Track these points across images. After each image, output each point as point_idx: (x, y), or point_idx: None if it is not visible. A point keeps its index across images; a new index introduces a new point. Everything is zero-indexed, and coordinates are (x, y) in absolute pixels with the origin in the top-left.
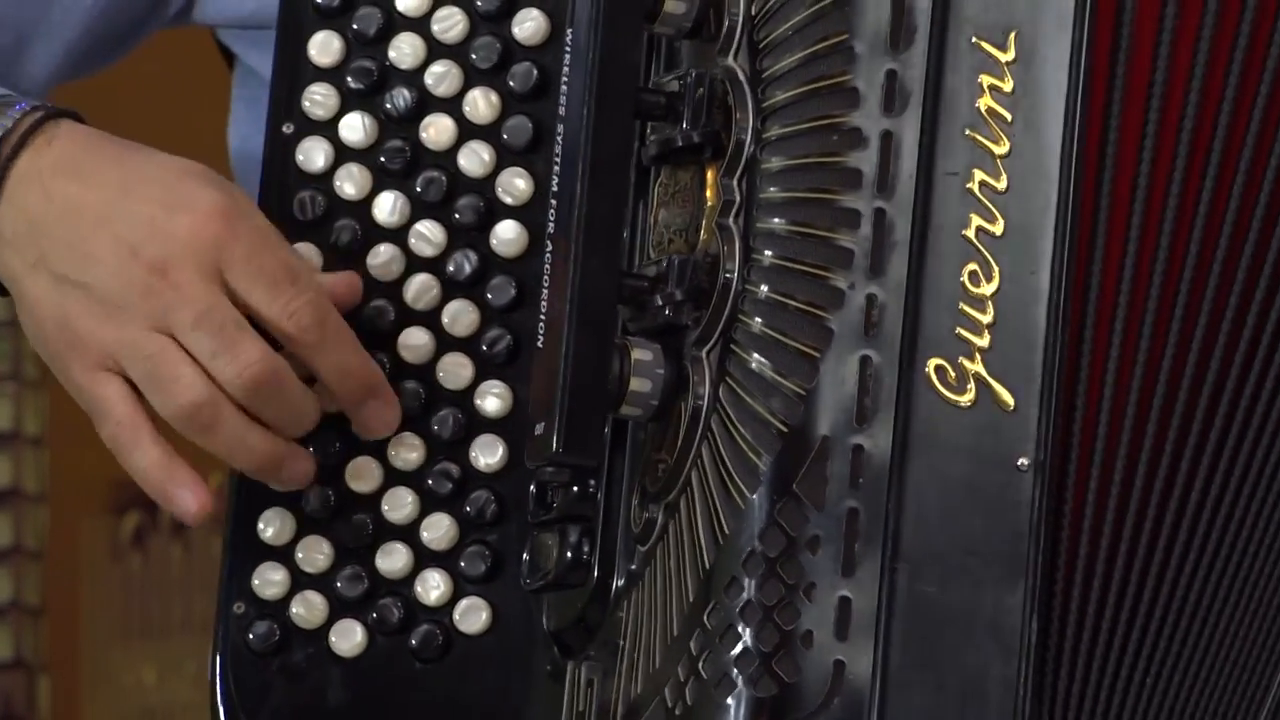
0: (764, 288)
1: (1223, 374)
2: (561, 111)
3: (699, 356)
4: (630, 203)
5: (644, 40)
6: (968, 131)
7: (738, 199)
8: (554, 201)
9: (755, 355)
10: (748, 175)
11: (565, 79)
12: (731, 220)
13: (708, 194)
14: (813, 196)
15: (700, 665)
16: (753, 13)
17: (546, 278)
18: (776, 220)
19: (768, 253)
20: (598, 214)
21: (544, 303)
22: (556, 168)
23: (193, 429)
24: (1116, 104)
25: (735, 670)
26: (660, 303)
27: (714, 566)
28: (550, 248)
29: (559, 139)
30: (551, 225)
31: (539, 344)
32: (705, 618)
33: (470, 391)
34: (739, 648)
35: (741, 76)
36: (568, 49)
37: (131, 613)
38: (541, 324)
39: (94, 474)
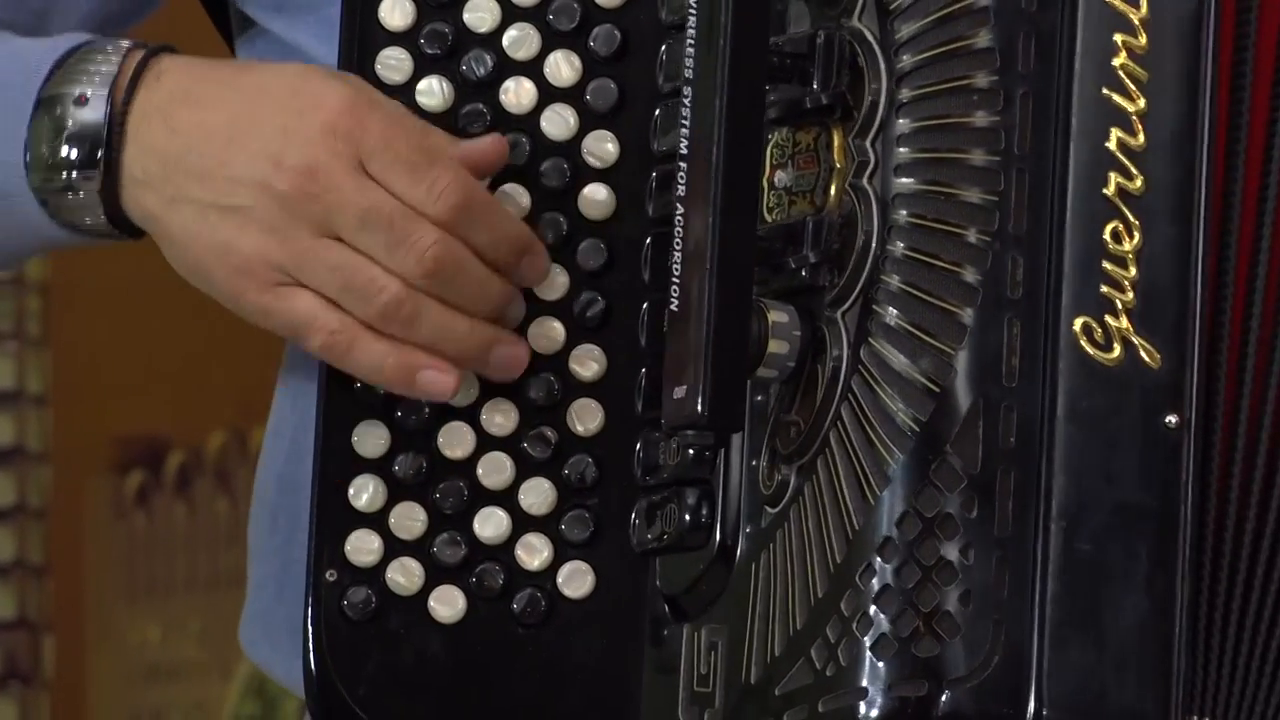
0: (903, 247)
1: None
2: (688, 74)
3: (834, 318)
4: (761, 163)
5: (770, 9)
6: (1104, 90)
7: (873, 160)
8: (683, 165)
9: (898, 315)
10: (883, 135)
11: (690, 39)
12: (866, 180)
13: (835, 156)
14: (950, 157)
15: (855, 625)
16: None
17: (678, 241)
18: (913, 180)
19: (904, 213)
20: (736, 176)
21: (676, 266)
22: (685, 129)
23: (397, 325)
24: (1249, 58)
25: (879, 634)
26: (794, 265)
27: (863, 527)
28: (681, 210)
29: (685, 101)
30: (681, 189)
31: (673, 307)
32: (858, 577)
33: (564, 356)
34: (895, 607)
35: (870, 38)
36: (692, 10)
37: (136, 571)
38: (675, 287)
39: (97, 432)
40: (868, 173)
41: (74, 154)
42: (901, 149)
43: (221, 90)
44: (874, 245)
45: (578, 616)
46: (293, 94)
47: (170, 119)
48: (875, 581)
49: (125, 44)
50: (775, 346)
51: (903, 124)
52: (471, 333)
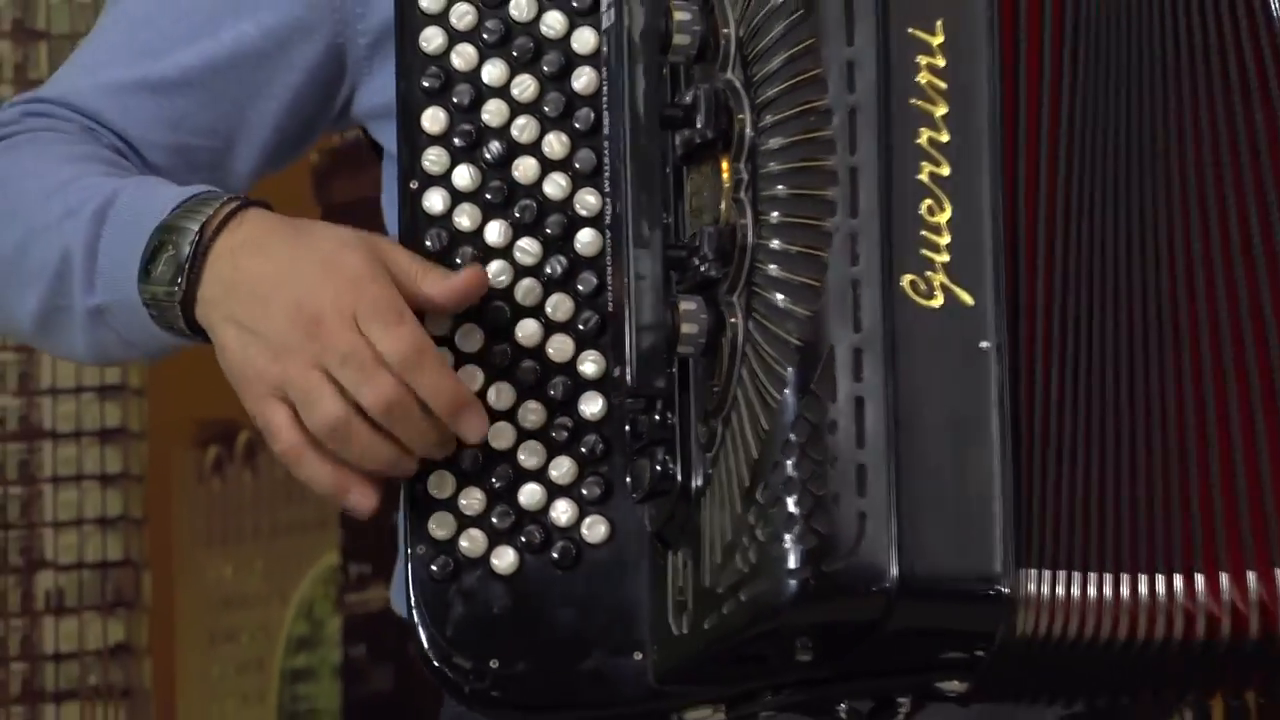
0: (773, 241)
1: (1100, 256)
2: (607, 133)
3: (731, 301)
4: (670, 195)
5: (661, 69)
6: (913, 100)
7: (745, 177)
8: (609, 202)
9: (772, 292)
10: (751, 158)
11: (606, 109)
12: (743, 193)
13: (724, 178)
14: (801, 165)
15: (758, 531)
16: (740, 35)
17: (608, 260)
18: (777, 188)
19: (773, 214)
20: (642, 207)
21: (610, 279)
22: (607, 174)
23: (333, 442)
24: (1023, 66)
25: (785, 531)
26: (698, 264)
27: (760, 456)
28: (610, 237)
29: (606, 157)
30: (609, 221)
31: (609, 309)
32: (758, 495)
33: (574, 361)
34: (786, 513)
35: (738, 84)
36: (605, 86)
37: (213, 523)
38: (610, 294)
39: (183, 416)
40: (743, 187)
41: (167, 274)
42: (769, 164)
43: (279, 246)
44: (751, 241)
45: (599, 557)
46: (324, 261)
47: (237, 260)
48: (771, 497)
49: (227, 197)
50: (687, 329)
51: (764, 145)
52: (388, 455)
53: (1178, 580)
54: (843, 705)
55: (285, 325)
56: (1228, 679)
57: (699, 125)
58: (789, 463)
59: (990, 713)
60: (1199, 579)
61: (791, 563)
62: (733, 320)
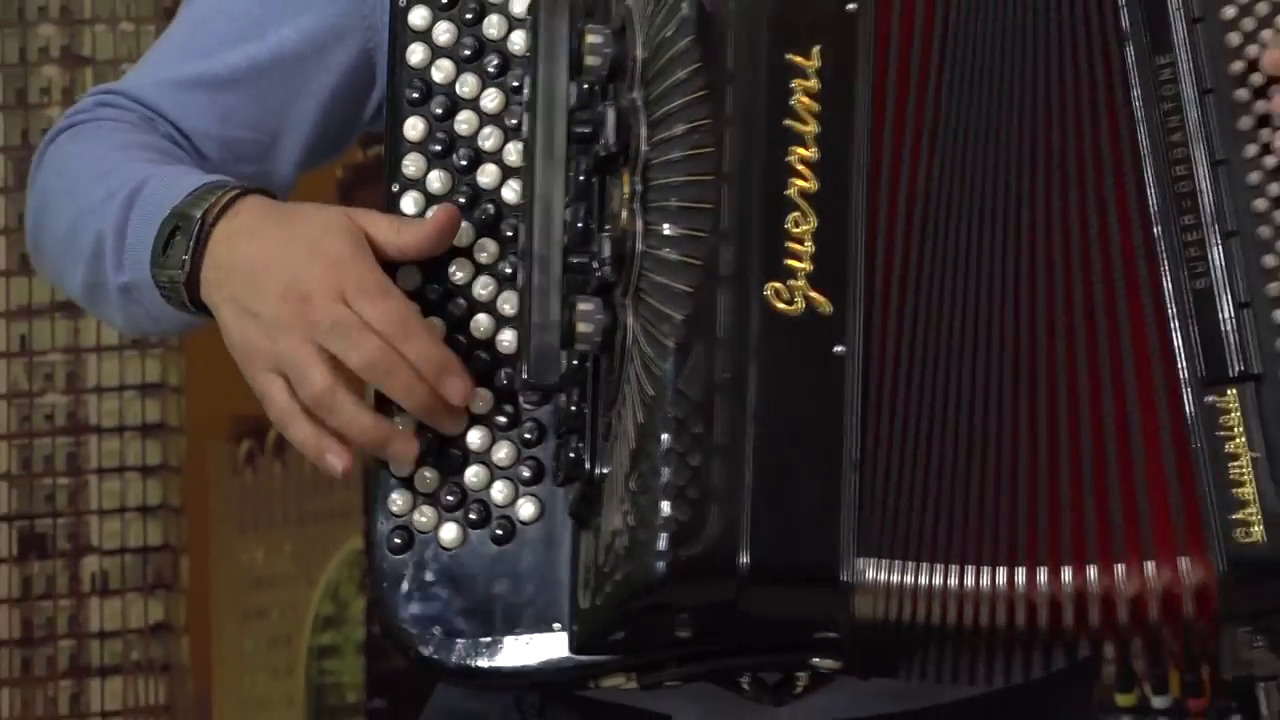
0: (656, 248)
1: (944, 271)
2: (526, 142)
3: (624, 303)
4: (590, 203)
5: (569, 88)
6: (787, 121)
7: (640, 189)
8: (520, 213)
9: (653, 296)
10: (644, 171)
11: (525, 121)
12: (635, 203)
13: (624, 188)
14: (683, 180)
15: (630, 517)
16: (645, 56)
17: (520, 264)
18: (663, 199)
19: (659, 223)
20: (543, 214)
21: (519, 280)
22: (526, 185)
23: (320, 411)
24: (892, 91)
25: (652, 518)
26: (597, 268)
27: (637, 447)
28: (523, 240)
29: (526, 166)
30: (523, 230)
31: (514, 310)
32: (632, 484)
33: (515, 357)
34: (654, 501)
35: (639, 103)
36: (524, 99)
37: (245, 511)
38: (517, 295)
39: (219, 413)
40: (636, 197)
41: (176, 258)
42: (654, 177)
43: (270, 231)
44: (638, 248)
45: (530, 534)
46: (311, 245)
47: (233, 244)
48: (650, 469)
49: (231, 183)
50: (583, 328)
51: (654, 159)
52: (374, 427)
53: (1001, 573)
54: (745, 677)
55: (278, 304)
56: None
57: (604, 140)
58: (658, 454)
59: (915, 687)
60: (1020, 572)
61: (657, 546)
62: (625, 321)
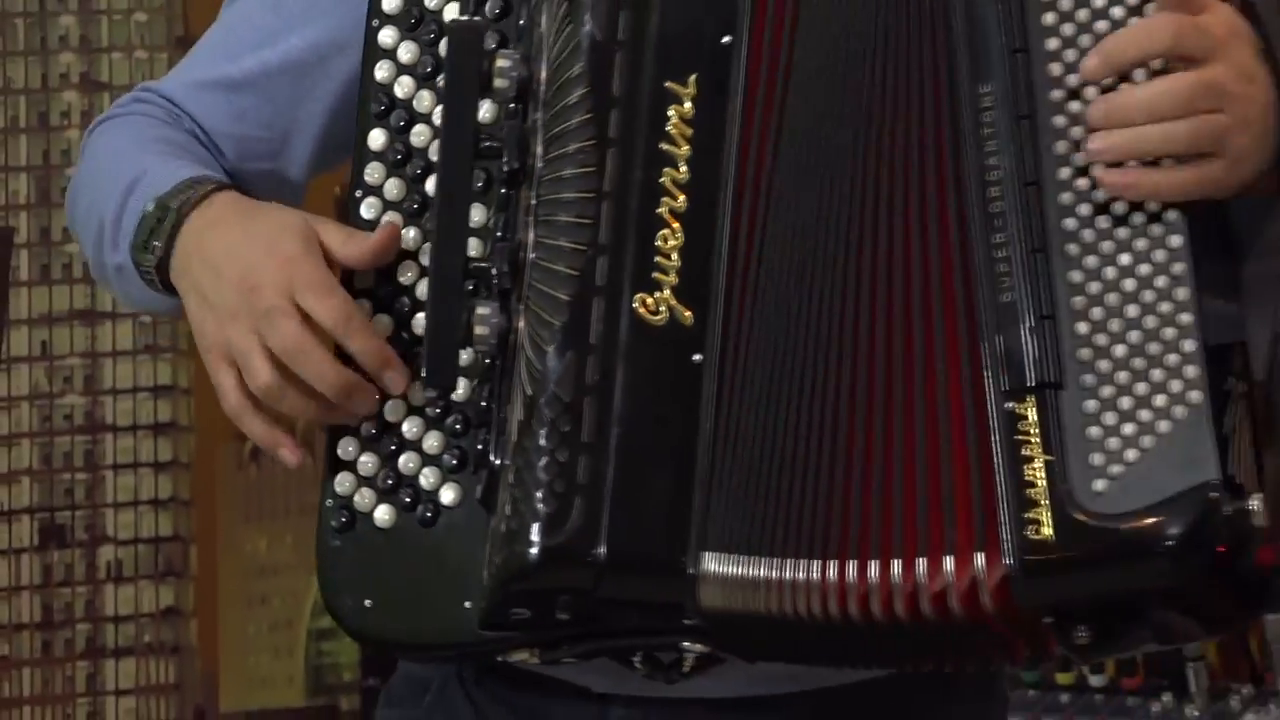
0: (537, 257)
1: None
2: (433, 160)
3: (517, 309)
4: (500, 214)
5: (477, 109)
6: (662, 145)
7: (533, 201)
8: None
9: (536, 303)
10: (537, 186)
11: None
12: (530, 216)
13: (522, 202)
14: (569, 196)
15: (506, 508)
16: (545, 80)
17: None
18: (550, 213)
19: (545, 236)
20: (445, 225)
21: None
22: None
23: (269, 400)
24: (759, 121)
25: (524, 509)
26: (495, 276)
27: (518, 442)
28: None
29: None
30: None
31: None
32: (511, 476)
33: None
34: (527, 493)
35: (538, 125)
36: (438, 119)
37: (250, 504)
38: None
39: (224, 414)
40: (530, 210)
41: (150, 243)
42: (548, 193)
43: (235, 226)
44: (527, 257)
45: (452, 518)
46: (268, 242)
47: (200, 237)
48: (529, 463)
49: (212, 178)
50: (479, 330)
51: (545, 176)
52: (314, 413)
53: (820, 566)
54: (637, 656)
55: (232, 296)
56: (969, 653)
57: (506, 157)
58: (533, 449)
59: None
60: (834, 566)
61: (528, 536)
62: (516, 325)
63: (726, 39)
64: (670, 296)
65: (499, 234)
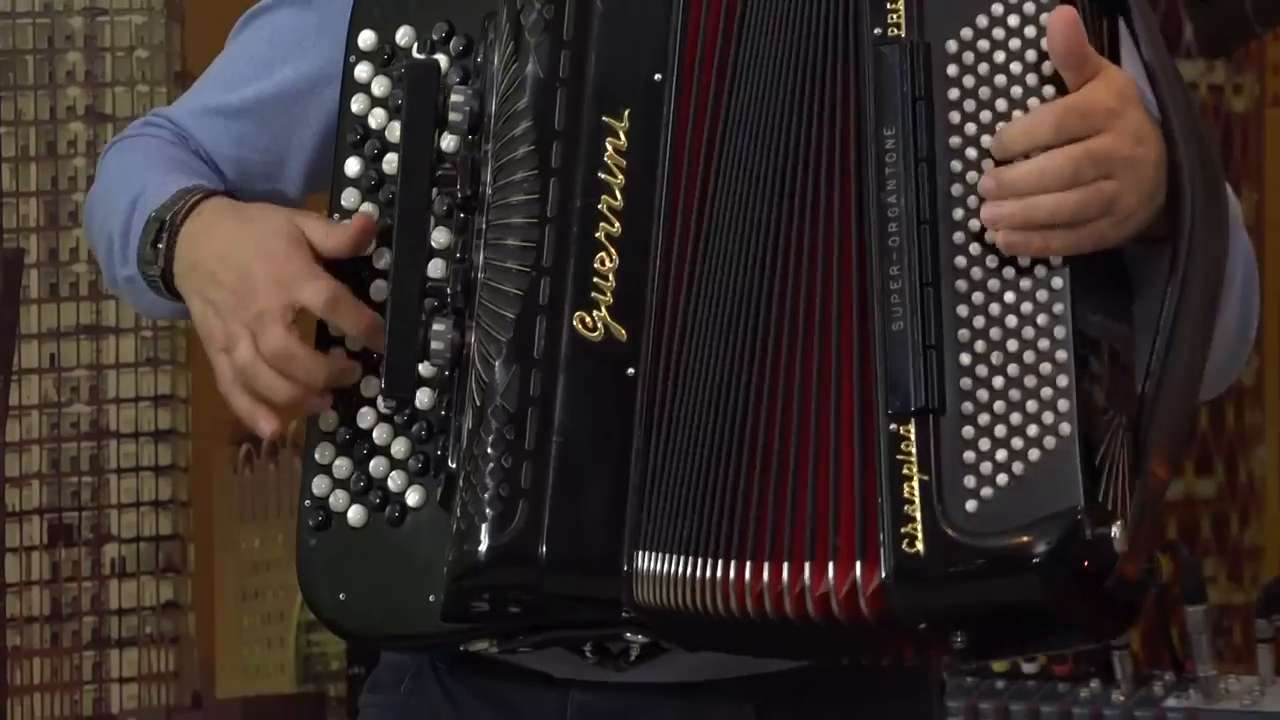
0: (489, 279)
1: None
2: (395, 190)
3: (469, 325)
4: (457, 238)
5: (433, 139)
6: (600, 174)
7: (483, 226)
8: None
9: (484, 321)
10: (486, 211)
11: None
12: (480, 239)
13: (476, 225)
14: (513, 221)
15: (457, 510)
16: (494, 114)
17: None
18: (497, 238)
19: (493, 258)
20: (402, 247)
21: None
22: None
23: (243, 379)
24: (689, 154)
25: (473, 511)
26: (449, 294)
27: (467, 449)
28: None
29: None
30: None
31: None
32: (461, 482)
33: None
34: (475, 497)
35: (489, 155)
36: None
37: (244, 505)
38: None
39: (221, 421)
40: (480, 234)
41: (151, 252)
42: (493, 218)
43: (225, 231)
44: (478, 278)
45: (417, 518)
46: (258, 244)
47: (195, 242)
48: (477, 467)
49: (202, 188)
50: (435, 345)
51: (494, 203)
52: (286, 393)
53: (745, 566)
54: (587, 645)
55: (229, 294)
56: (855, 648)
57: (458, 185)
58: (481, 456)
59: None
60: (749, 566)
61: (475, 537)
62: (469, 340)
63: (658, 77)
64: (606, 315)
65: (458, 255)
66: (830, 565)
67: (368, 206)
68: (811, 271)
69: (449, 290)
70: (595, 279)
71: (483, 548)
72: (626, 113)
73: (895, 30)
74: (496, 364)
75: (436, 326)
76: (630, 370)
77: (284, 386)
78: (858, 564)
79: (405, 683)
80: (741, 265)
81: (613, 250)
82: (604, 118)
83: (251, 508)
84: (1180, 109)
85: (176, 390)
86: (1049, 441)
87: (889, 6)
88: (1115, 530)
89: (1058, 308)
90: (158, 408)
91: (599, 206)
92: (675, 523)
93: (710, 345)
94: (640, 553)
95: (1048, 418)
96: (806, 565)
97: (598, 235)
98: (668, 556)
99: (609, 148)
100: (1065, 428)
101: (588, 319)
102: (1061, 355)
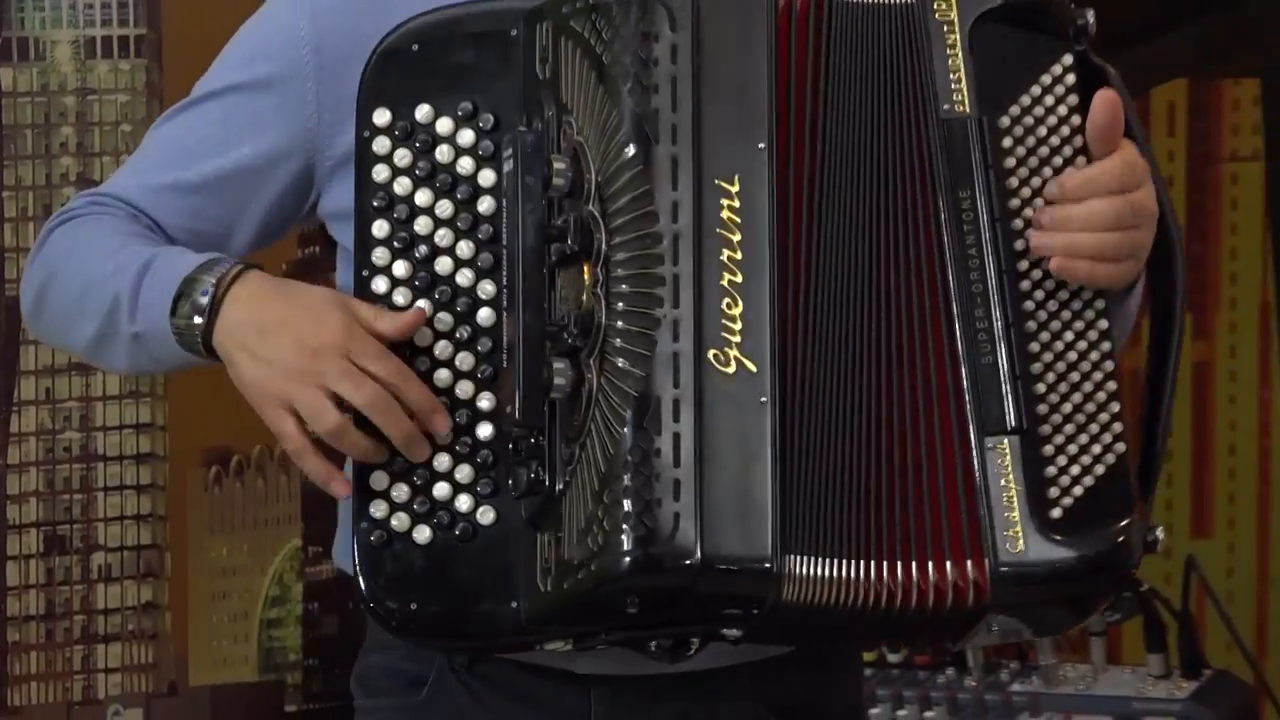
0: (618, 322)
1: (835, 352)
2: (505, 242)
3: (589, 363)
4: (547, 288)
5: (541, 202)
6: (718, 230)
7: (601, 277)
8: (506, 290)
9: (617, 358)
10: (605, 264)
11: (506, 224)
12: (598, 289)
13: (585, 277)
14: (639, 272)
15: (604, 523)
16: (599, 179)
17: (508, 331)
18: (621, 286)
19: (619, 304)
20: (530, 294)
21: (507, 342)
22: (506, 274)
23: (332, 439)
24: (791, 212)
25: (623, 523)
26: (567, 337)
27: (606, 470)
28: (509, 314)
29: (505, 258)
30: (506, 302)
31: (505, 365)
32: (605, 497)
33: (474, 399)
34: (624, 511)
35: (597, 213)
36: (505, 209)
37: (213, 518)
38: (505, 356)
39: (193, 445)
40: (599, 284)
41: (193, 314)
42: (614, 270)
43: (278, 298)
44: (604, 322)
45: (489, 535)
46: (316, 314)
47: (248, 305)
48: (613, 498)
49: (232, 262)
50: (558, 381)
51: (614, 256)
52: (372, 450)
53: (898, 566)
54: (653, 643)
55: (291, 355)
56: (928, 635)
57: (569, 241)
58: (626, 476)
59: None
60: (899, 565)
61: (626, 545)
62: (589, 376)
63: (761, 145)
64: (737, 351)
65: (544, 303)
66: (947, 564)
67: (402, 264)
68: (909, 309)
69: (565, 333)
70: (724, 321)
71: (630, 557)
72: (736, 176)
73: (961, 107)
74: (632, 395)
75: (557, 365)
76: (762, 398)
77: (370, 446)
78: (968, 562)
79: (425, 688)
80: (851, 309)
81: (737, 296)
82: (716, 181)
83: (220, 521)
84: (1156, 174)
85: (156, 419)
86: (1109, 459)
87: (953, 85)
88: (1159, 533)
89: (1105, 346)
90: (139, 434)
91: (720, 258)
92: (819, 529)
93: (830, 377)
94: (791, 557)
95: (1107, 438)
96: (930, 564)
97: (722, 283)
98: (815, 560)
99: (724, 206)
100: (1120, 447)
101: (721, 355)
102: (1111, 386)
